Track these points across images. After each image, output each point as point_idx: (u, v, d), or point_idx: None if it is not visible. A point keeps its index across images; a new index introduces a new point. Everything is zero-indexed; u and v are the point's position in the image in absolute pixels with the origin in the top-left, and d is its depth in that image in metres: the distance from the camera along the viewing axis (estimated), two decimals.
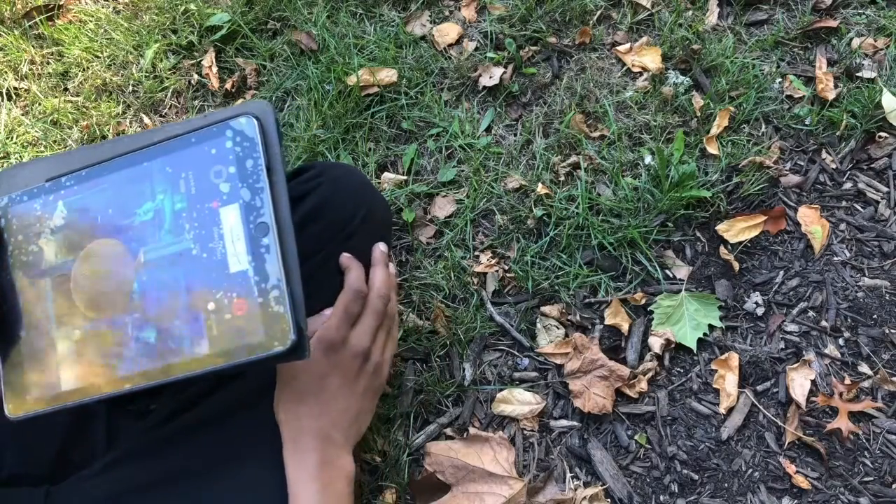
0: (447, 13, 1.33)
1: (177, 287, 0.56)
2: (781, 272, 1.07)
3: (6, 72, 1.32)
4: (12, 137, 1.27)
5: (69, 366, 0.57)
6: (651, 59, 1.23)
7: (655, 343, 1.02)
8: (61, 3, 1.38)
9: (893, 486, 0.93)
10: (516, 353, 1.05)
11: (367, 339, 0.65)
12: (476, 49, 1.27)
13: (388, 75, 1.23)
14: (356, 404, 0.64)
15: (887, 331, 1.02)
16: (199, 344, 0.55)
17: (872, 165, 1.14)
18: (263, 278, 0.54)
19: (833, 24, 1.23)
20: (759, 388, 1.00)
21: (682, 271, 1.08)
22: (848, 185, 1.13)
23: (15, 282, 0.58)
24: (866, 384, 0.99)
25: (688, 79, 1.21)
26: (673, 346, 1.03)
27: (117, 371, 0.56)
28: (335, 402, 0.61)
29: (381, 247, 0.69)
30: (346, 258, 0.68)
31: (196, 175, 0.56)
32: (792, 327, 1.04)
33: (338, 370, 0.61)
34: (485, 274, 1.10)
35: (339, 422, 0.62)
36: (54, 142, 1.27)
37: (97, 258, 0.57)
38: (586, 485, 0.96)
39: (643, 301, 1.06)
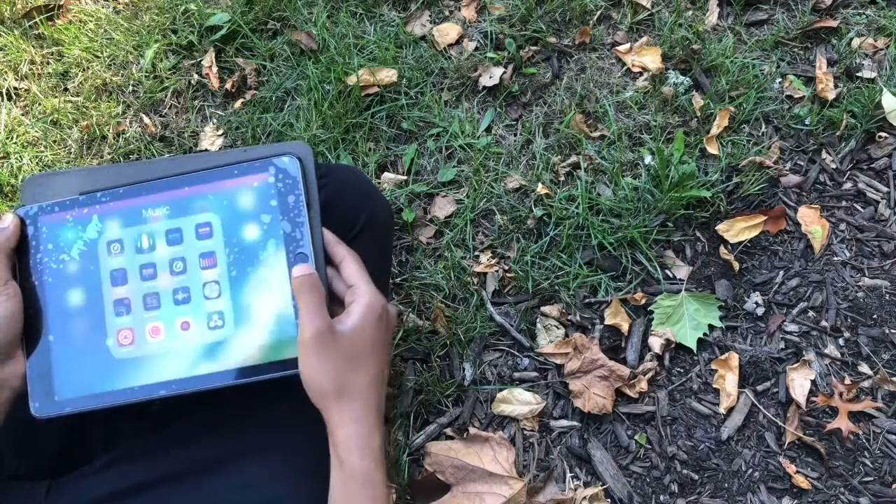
0: (447, 13, 1.33)
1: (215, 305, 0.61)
2: (781, 272, 1.07)
3: (6, 72, 1.32)
4: (12, 137, 1.27)
5: (101, 370, 0.60)
6: (651, 59, 1.23)
7: (655, 343, 1.02)
8: (61, 3, 1.38)
9: (893, 486, 0.93)
10: (516, 353, 1.05)
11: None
12: (476, 49, 1.27)
13: (388, 75, 1.23)
14: (387, 369, 0.62)
15: (887, 331, 1.02)
16: (234, 357, 0.59)
17: (872, 165, 1.14)
18: None
19: (833, 24, 1.23)
20: (759, 388, 1.00)
21: (682, 271, 1.08)
22: (848, 185, 1.13)
23: (43, 288, 0.61)
24: (866, 384, 0.99)
25: (688, 79, 1.21)
26: (673, 346, 1.03)
27: (151, 377, 0.59)
28: (385, 373, 0.60)
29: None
30: (331, 242, 0.64)
31: (238, 204, 0.60)
32: (792, 327, 1.04)
33: (386, 335, 0.60)
34: (485, 274, 1.10)
35: (384, 392, 0.60)
36: (54, 142, 1.27)
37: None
38: (586, 485, 0.96)
39: (643, 301, 1.06)
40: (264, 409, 0.65)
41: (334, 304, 0.60)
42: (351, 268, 0.59)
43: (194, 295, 0.60)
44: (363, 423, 0.55)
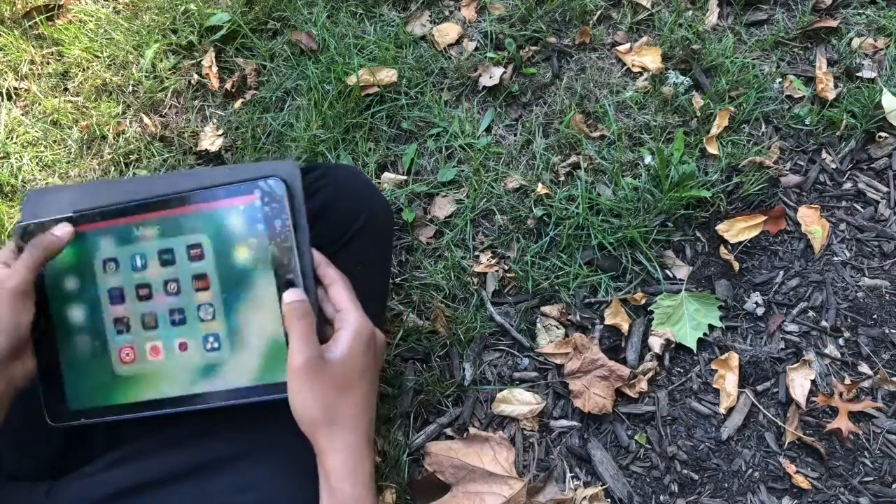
0: (447, 13, 1.33)
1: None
2: (781, 272, 1.07)
3: (6, 72, 1.32)
4: (12, 137, 1.27)
5: (108, 383, 0.62)
6: (651, 59, 1.23)
7: (655, 343, 1.02)
8: (61, 3, 1.38)
9: (893, 486, 0.93)
10: (516, 353, 1.05)
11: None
12: (476, 49, 1.27)
13: (388, 75, 1.23)
14: (376, 395, 0.62)
15: (887, 331, 1.02)
16: (231, 378, 0.60)
17: (872, 165, 1.14)
18: None
19: (833, 24, 1.23)
20: (759, 388, 1.00)
21: (682, 271, 1.08)
22: (848, 185, 1.13)
23: (50, 302, 0.62)
24: (866, 384, 0.99)
25: (688, 79, 1.21)
26: (673, 346, 1.03)
27: (157, 392, 0.61)
28: (374, 400, 0.60)
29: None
30: (321, 263, 0.63)
31: (226, 226, 0.61)
32: (792, 327, 1.04)
33: (375, 363, 0.60)
34: (485, 274, 1.10)
35: (373, 418, 0.60)
36: (54, 142, 1.27)
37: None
38: (586, 485, 0.96)
39: (643, 301, 1.06)
40: (263, 412, 0.65)
41: (324, 325, 0.60)
42: (340, 293, 0.59)
43: (189, 316, 0.61)
44: (354, 451, 0.55)
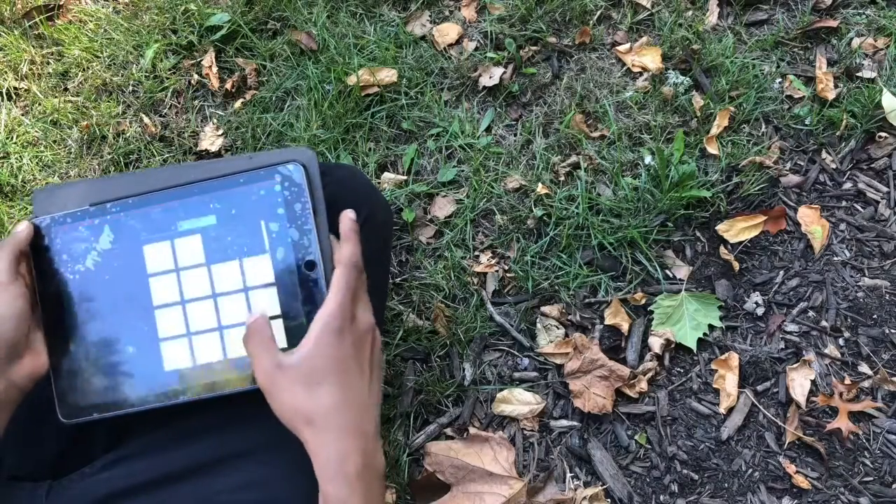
0: (447, 13, 1.33)
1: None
2: (781, 272, 1.07)
3: (6, 72, 1.32)
4: (12, 137, 1.27)
5: (122, 376, 0.61)
6: (651, 59, 1.23)
7: (655, 343, 1.02)
8: (61, 3, 1.38)
9: (893, 486, 0.93)
10: (516, 353, 1.05)
11: (371, 314, 0.61)
12: (476, 49, 1.27)
13: (388, 75, 1.23)
14: (375, 386, 0.60)
15: (887, 331, 1.02)
16: (250, 364, 0.59)
17: (872, 165, 1.14)
18: (313, 307, 0.59)
19: (833, 24, 1.23)
20: (759, 388, 1.00)
21: (682, 271, 1.08)
22: (848, 185, 1.13)
23: (63, 297, 0.62)
24: (866, 384, 0.99)
25: (688, 79, 1.21)
26: (673, 346, 1.03)
27: (171, 384, 0.61)
28: (360, 389, 0.57)
29: (350, 214, 0.61)
30: (347, 226, 0.60)
31: (245, 212, 0.61)
32: (792, 327, 1.04)
33: (354, 351, 0.57)
34: (485, 274, 1.10)
35: (368, 410, 0.57)
36: (54, 142, 1.27)
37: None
38: (586, 485, 0.96)
39: (643, 301, 1.06)
40: (265, 410, 0.65)
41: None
42: (334, 278, 0.57)
43: (209, 304, 0.61)
44: (332, 449, 0.54)
